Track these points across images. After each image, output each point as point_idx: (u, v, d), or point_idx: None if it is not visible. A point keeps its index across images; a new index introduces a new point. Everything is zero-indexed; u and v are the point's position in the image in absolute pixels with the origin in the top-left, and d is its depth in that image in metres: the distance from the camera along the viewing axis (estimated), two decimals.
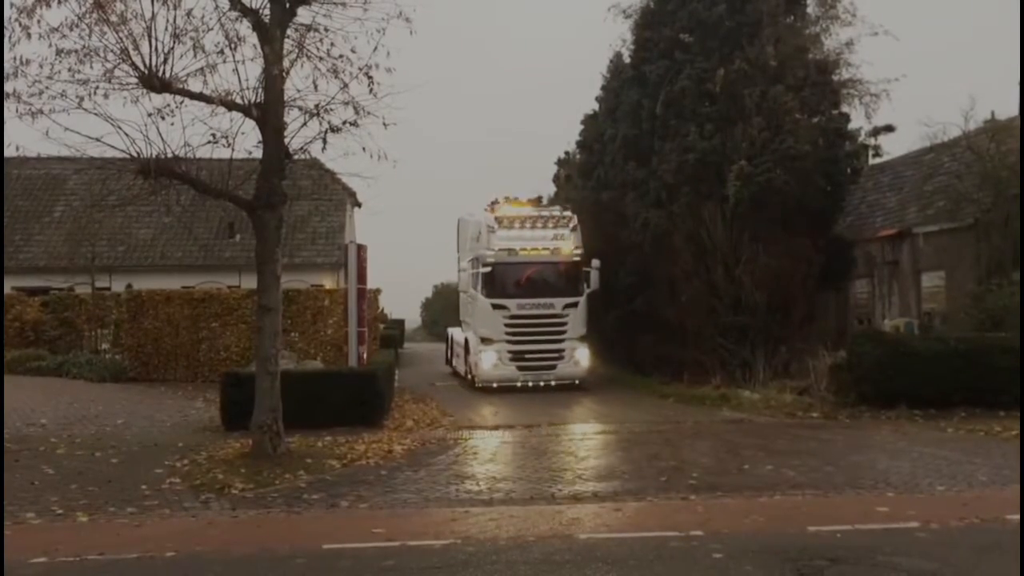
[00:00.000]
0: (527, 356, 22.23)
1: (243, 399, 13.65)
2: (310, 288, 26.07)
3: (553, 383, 22.30)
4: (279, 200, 12.75)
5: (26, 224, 31.20)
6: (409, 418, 17.27)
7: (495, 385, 22.15)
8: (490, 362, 22.22)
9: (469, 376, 23.60)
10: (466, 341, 24.08)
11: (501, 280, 22.38)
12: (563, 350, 22.45)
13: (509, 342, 22.16)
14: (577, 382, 22.76)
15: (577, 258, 22.74)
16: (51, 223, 31.51)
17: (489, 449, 14.32)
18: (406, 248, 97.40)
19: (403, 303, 59.56)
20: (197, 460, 12.64)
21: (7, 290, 26.18)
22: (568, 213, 23.67)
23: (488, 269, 22.19)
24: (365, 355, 19.13)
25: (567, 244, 22.69)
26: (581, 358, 22.74)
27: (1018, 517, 9.01)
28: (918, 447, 13.68)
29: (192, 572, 7.74)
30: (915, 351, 17.34)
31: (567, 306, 22.37)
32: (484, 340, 22.32)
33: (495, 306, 22.21)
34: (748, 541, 8.39)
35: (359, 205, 33.09)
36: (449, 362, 29.22)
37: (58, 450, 13.50)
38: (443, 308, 66.28)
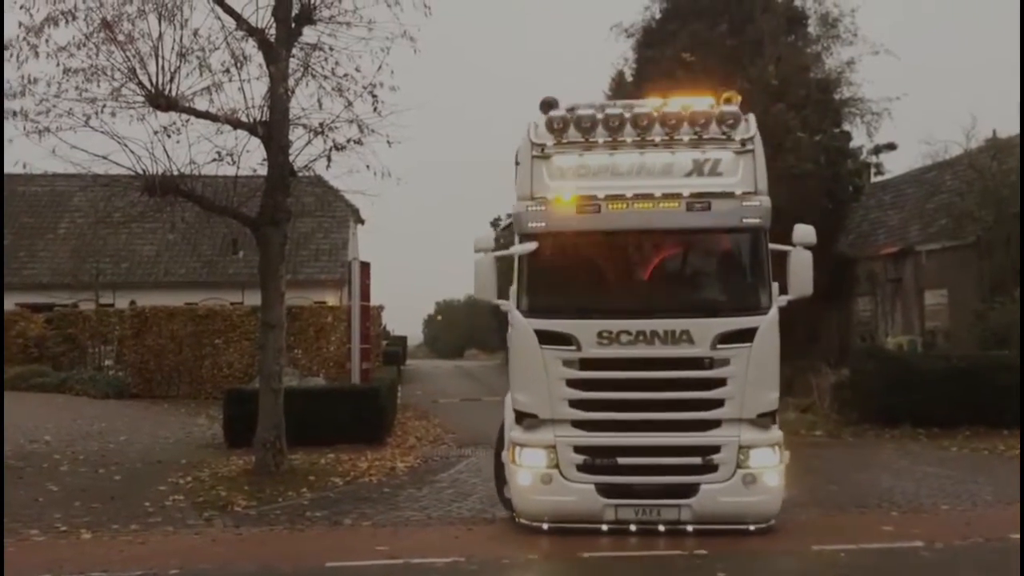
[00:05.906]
0: (623, 463, 9.03)
1: (246, 416, 13.64)
2: (313, 305, 26.15)
3: (689, 528, 8.91)
4: (283, 217, 12.80)
5: (31, 241, 31.28)
6: (412, 435, 17.25)
7: (545, 526, 9.11)
8: (532, 472, 9.13)
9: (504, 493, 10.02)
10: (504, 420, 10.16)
11: (558, 274, 9.52)
12: (715, 448, 8.98)
13: (577, 423, 9.09)
14: (752, 528, 9.02)
15: (756, 219, 9.22)
16: (56, 240, 31.54)
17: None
18: (409, 264, 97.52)
19: (405, 320, 59.66)
20: (200, 477, 12.62)
21: (11, 307, 26.23)
22: (732, 108, 9.77)
23: (531, 247, 9.24)
24: (368, 372, 19.09)
25: (732, 183, 9.28)
26: (763, 469, 9.12)
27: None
28: (922, 466, 13.66)
29: None
30: (917, 369, 17.31)
31: (726, 339, 9.05)
32: (521, 417, 9.35)
33: (545, 336, 9.09)
34: (752, 560, 8.38)
35: (362, 222, 33.22)
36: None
37: (61, 467, 13.51)
38: (446, 326, 66.48)
